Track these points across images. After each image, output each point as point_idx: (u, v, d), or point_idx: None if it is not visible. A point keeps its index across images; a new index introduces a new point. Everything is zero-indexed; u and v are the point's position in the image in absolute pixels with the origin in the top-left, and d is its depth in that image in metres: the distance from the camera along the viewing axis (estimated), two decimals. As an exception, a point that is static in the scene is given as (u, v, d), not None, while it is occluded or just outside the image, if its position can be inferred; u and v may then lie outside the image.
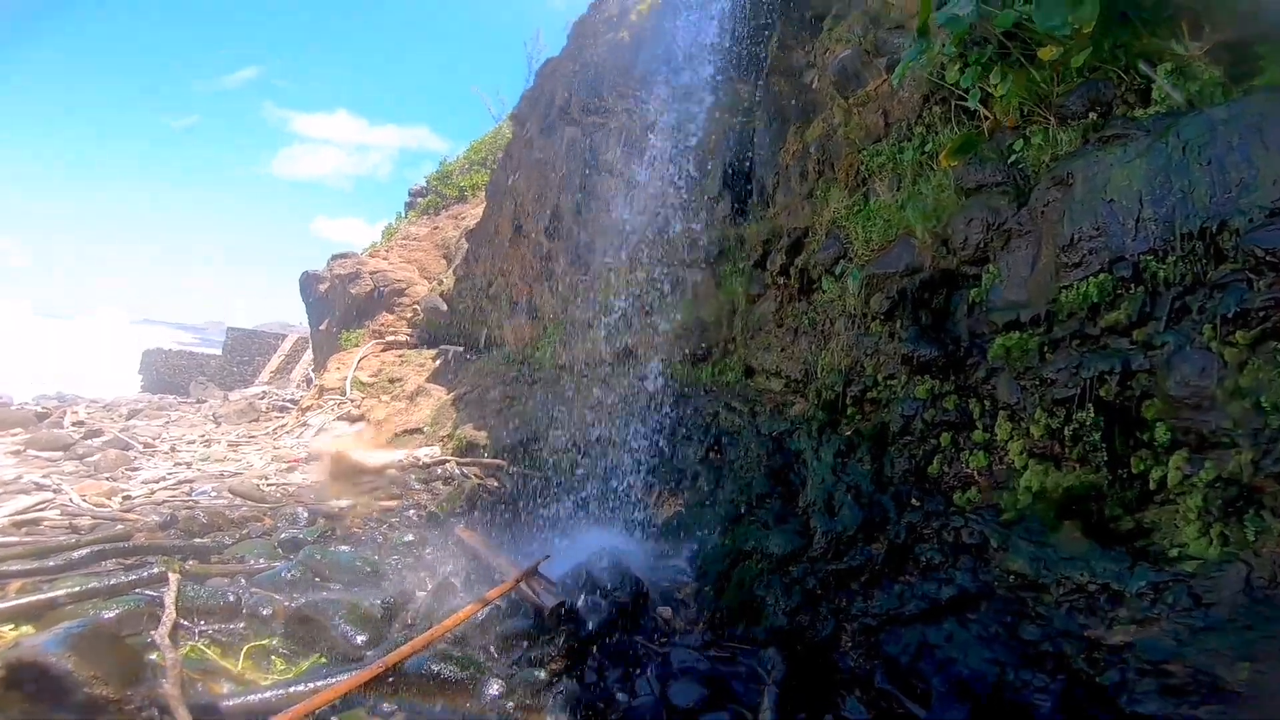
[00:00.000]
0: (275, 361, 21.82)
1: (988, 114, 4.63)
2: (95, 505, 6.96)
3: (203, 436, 13.37)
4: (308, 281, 17.24)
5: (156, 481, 8.78)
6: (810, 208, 6.43)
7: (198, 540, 5.94)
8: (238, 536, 6.16)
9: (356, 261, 16.72)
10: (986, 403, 3.63)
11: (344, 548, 5.86)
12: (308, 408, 14.75)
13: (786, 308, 6.36)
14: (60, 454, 10.16)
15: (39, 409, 13.51)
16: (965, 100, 4.76)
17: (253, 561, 5.50)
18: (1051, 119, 4.07)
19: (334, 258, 16.98)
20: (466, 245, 15.84)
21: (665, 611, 5.06)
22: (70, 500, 6.95)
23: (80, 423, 13.01)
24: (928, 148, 5.20)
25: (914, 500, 4.03)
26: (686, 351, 7.84)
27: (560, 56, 11.81)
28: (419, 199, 19.48)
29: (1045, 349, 3.12)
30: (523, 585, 4.91)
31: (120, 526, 6.11)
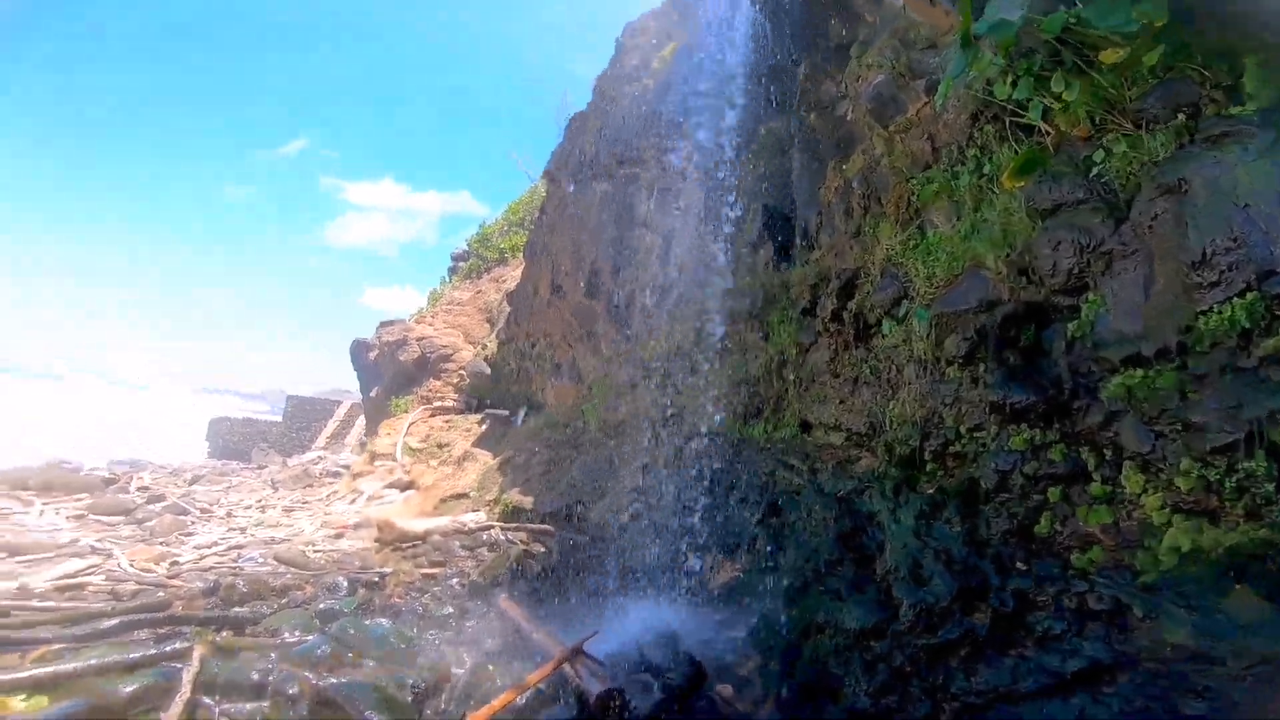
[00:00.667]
0: (331, 427, 22.03)
1: (1049, 128, 4.16)
2: (142, 570, 6.78)
3: (259, 502, 13.33)
4: (358, 349, 17.44)
5: (209, 547, 8.64)
6: (859, 246, 5.96)
7: (235, 610, 5.70)
8: (277, 606, 5.87)
9: (403, 329, 16.86)
10: (1107, 451, 3.03)
11: (382, 620, 5.47)
12: (359, 474, 14.64)
13: (842, 356, 5.82)
14: (121, 518, 10.16)
15: (107, 474, 13.73)
16: (1020, 116, 4.31)
17: (287, 634, 5.20)
18: (1128, 124, 3.57)
19: (382, 325, 17.18)
20: (508, 308, 15.83)
21: (725, 690, 4.42)
22: (118, 565, 6.79)
23: (145, 488, 13.13)
24: (985, 170, 4.72)
25: (1019, 564, 3.40)
26: (736, 408, 7.32)
27: (587, 111, 11.85)
28: (461, 263, 19.75)
29: (1186, 387, 2.54)
30: (566, 667, 4.37)
31: (161, 594, 5.92)
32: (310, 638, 4.99)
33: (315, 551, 8.22)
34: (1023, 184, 4.13)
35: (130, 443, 24.75)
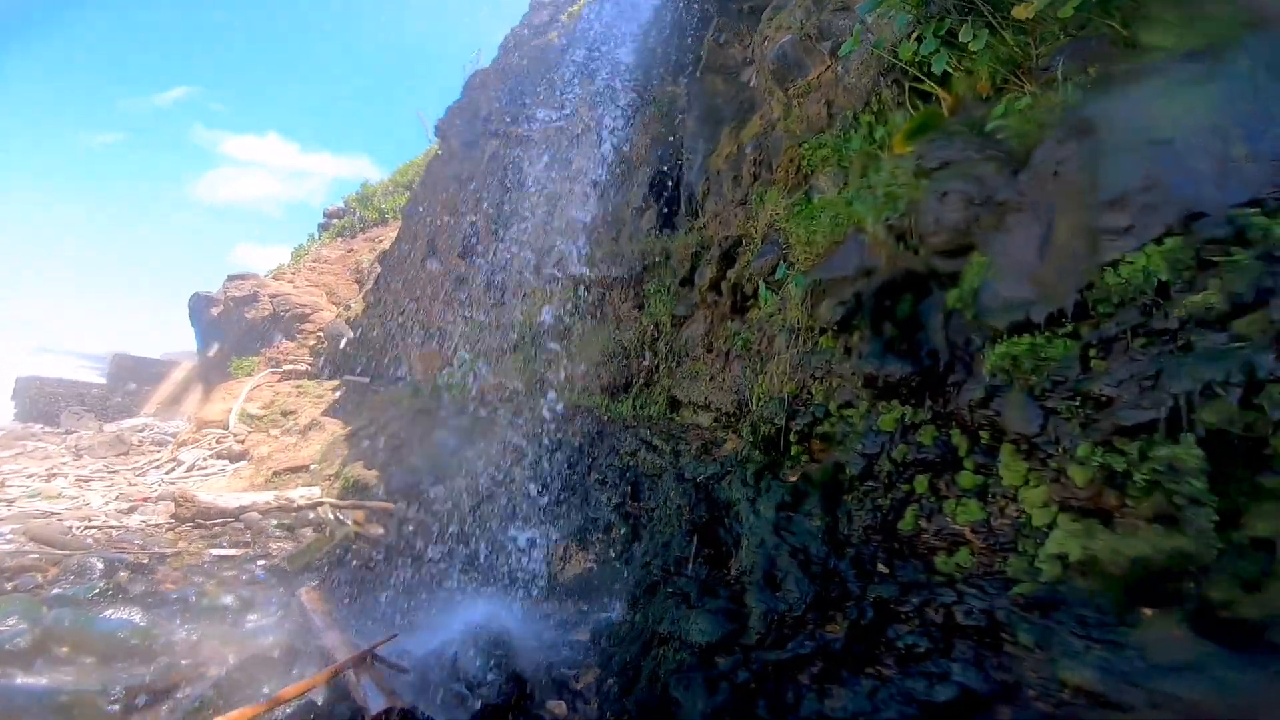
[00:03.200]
0: (164, 391, 19.27)
1: (945, 95, 3.82)
2: None
3: (49, 470, 11.19)
4: (198, 304, 15.24)
5: (-42, 519, 6.92)
6: (744, 214, 5.46)
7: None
8: (-3, 590, 4.56)
9: (255, 283, 14.91)
10: (983, 434, 2.60)
11: (127, 611, 4.34)
12: (184, 443, 12.76)
13: (718, 329, 5.31)
14: None
15: None
16: (920, 82, 3.96)
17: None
18: (1032, 86, 3.24)
19: (230, 279, 15.10)
20: (379, 269, 14.37)
21: (558, 708, 3.73)
22: None
23: (-90, 451, 10.70)
24: (878, 135, 4.33)
25: (881, 566, 2.94)
26: (605, 382, 6.68)
27: (489, 68, 10.84)
28: (335, 220, 17.83)
29: (1090, 354, 2.10)
30: (350, 675, 3.50)
31: None
32: (13, 627, 3.81)
33: (90, 529, 6.75)
34: (913, 148, 3.74)
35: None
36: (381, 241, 16.18)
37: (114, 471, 11.64)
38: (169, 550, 5.91)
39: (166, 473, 11.28)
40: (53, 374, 21.95)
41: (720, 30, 6.45)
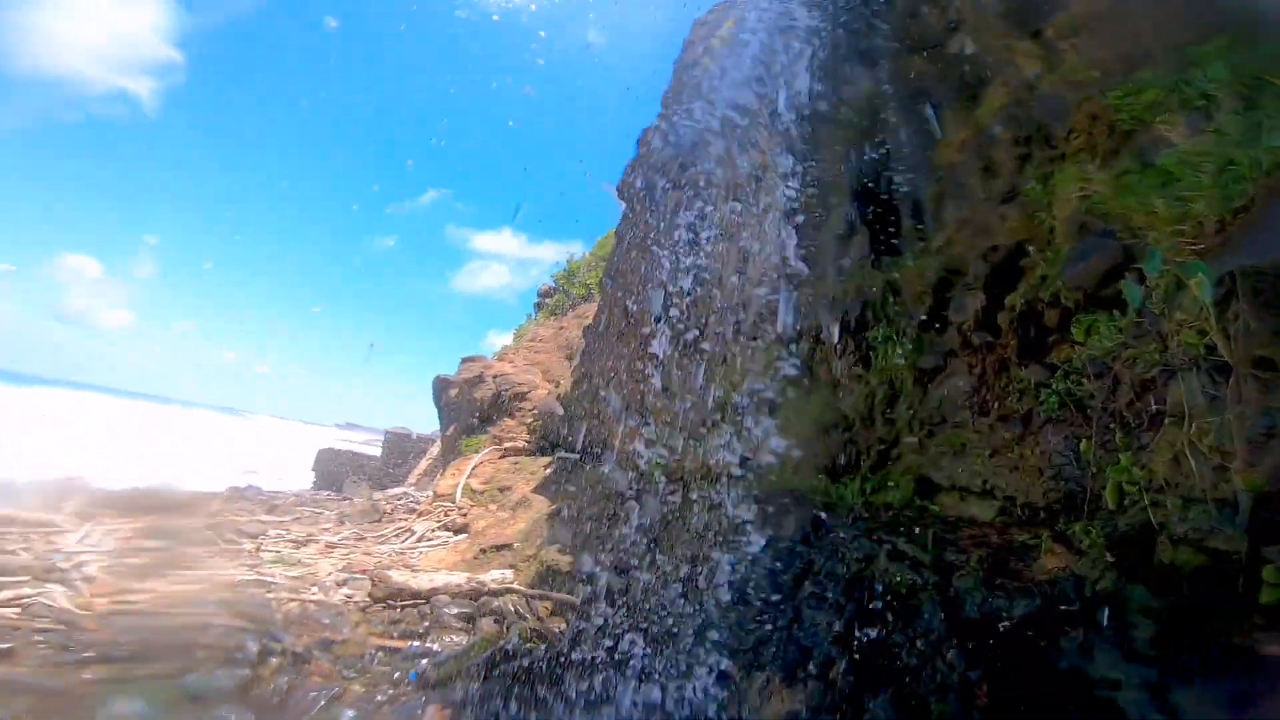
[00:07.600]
0: (423, 464, 21.31)
1: None
2: (80, 609, 5.47)
3: (308, 535, 12.22)
4: (439, 387, 16.52)
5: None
6: (1019, 211, 3.65)
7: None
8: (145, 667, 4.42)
9: (482, 365, 15.76)
10: None
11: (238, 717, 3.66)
12: (421, 513, 13.44)
13: (996, 381, 3.49)
14: (160, 543, 9.40)
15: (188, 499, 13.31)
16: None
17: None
18: None
19: (462, 361, 16.18)
20: (584, 343, 14.33)
21: None
22: (53, 601, 5.50)
23: (212, 513, 12.54)
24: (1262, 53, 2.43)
25: None
26: (822, 460, 5.04)
27: (655, 124, 10.24)
28: (547, 299, 18.63)
29: None
30: None
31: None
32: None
33: (292, 601, 6.59)
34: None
35: (257, 470, 25.29)
36: (587, 318, 16.36)
37: (361, 538, 12.37)
38: (338, 636, 5.37)
39: (402, 542, 11.71)
40: (344, 447, 25.78)
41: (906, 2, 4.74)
